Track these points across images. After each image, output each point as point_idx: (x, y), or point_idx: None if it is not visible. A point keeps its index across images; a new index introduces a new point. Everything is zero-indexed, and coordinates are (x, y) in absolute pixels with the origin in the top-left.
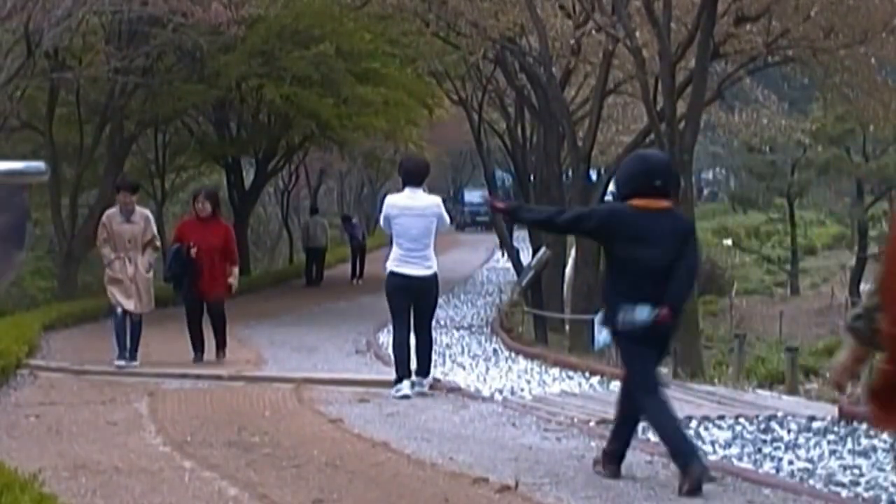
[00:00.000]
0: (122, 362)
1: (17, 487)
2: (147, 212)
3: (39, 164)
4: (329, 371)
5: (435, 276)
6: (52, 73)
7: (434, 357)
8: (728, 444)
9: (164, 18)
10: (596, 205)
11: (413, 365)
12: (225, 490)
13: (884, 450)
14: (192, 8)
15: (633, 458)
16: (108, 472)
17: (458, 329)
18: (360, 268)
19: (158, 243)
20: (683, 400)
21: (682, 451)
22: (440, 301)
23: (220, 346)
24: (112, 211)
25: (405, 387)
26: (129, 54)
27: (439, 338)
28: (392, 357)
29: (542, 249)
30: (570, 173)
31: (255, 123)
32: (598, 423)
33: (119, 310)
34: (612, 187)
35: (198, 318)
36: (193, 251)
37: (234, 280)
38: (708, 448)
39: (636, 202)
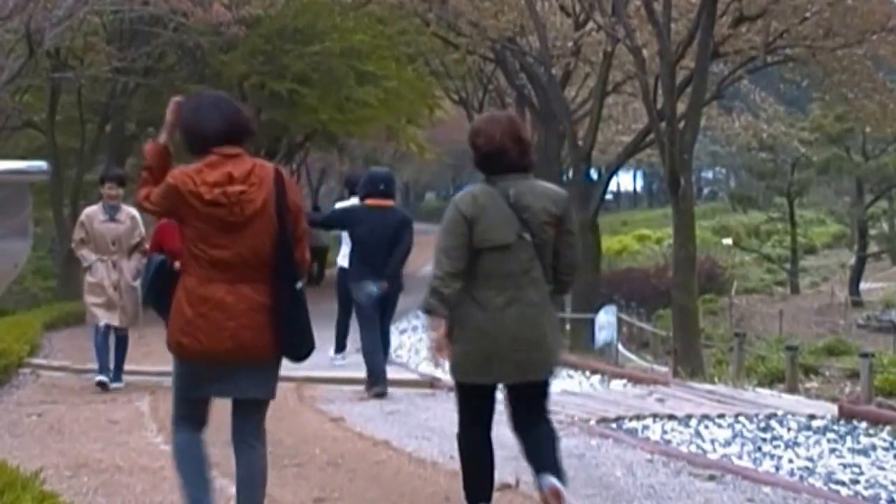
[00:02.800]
0: (104, 378)
1: (19, 486)
2: (134, 210)
3: (41, 164)
4: (330, 370)
5: None
6: (54, 72)
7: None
8: (728, 443)
9: (165, 18)
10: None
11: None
12: (226, 488)
13: (884, 448)
14: (192, 8)
15: (634, 456)
16: (110, 471)
17: None
18: None
19: (147, 246)
20: (683, 398)
21: (374, 372)
22: None
23: None
24: (93, 209)
25: None
26: (130, 54)
27: None
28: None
29: None
30: (570, 173)
31: (255, 123)
32: (599, 421)
33: (102, 324)
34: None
35: None
36: (177, 265)
37: None
38: (708, 446)
39: (368, 202)
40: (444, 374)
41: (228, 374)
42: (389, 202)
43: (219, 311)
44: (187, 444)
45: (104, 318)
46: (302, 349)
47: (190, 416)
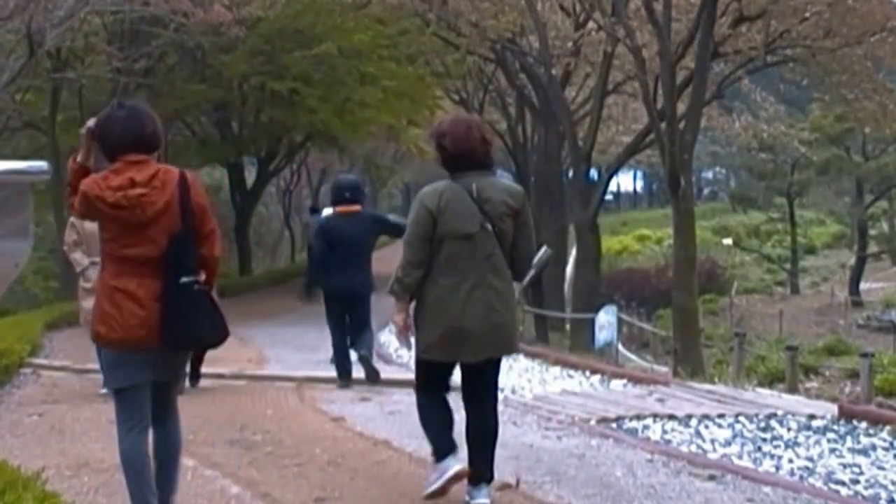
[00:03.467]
0: (107, 390)
1: (21, 485)
2: None
3: (42, 164)
4: (330, 370)
5: None
6: (55, 73)
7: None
8: (728, 443)
9: (166, 19)
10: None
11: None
12: (227, 488)
13: (884, 448)
14: (193, 8)
15: (634, 456)
16: (111, 471)
17: None
18: None
19: None
20: (683, 398)
21: (340, 371)
22: None
23: (195, 374)
24: None
25: None
26: (130, 54)
27: None
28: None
29: (543, 248)
30: (570, 173)
31: (256, 124)
32: (599, 421)
33: None
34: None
35: None
36: None
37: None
38: (708, 446)
39: (338, 209)
40: (410, 352)
41: (147, 362)
42: (355, 207)
43: (130, 302)
44: (129, 450)
45: None
46: (179, 340)
47: (130, 413)
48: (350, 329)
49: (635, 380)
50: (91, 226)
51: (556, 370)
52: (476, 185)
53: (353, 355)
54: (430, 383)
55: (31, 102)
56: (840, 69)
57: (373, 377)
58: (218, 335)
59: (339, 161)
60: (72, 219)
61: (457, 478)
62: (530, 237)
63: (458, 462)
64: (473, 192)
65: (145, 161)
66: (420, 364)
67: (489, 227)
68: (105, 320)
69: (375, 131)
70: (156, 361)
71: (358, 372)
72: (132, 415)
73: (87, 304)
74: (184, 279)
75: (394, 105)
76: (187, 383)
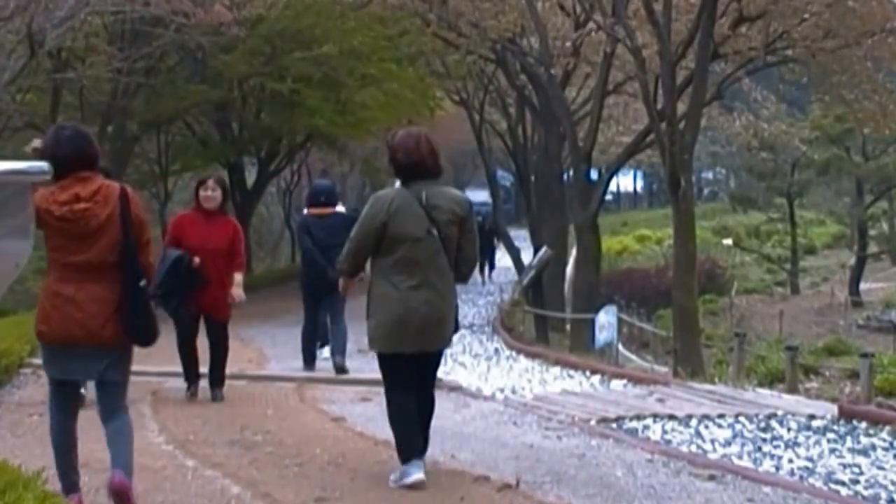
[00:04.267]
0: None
1: (21, 485)
2: None
3: (42, 164)
4: (331, 370)
5: None
6: (55, 73)
7: None
8: (728, 443)
9: (167, 19)
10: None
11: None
12: (227, 488)
13: (884, 448)
14: (193, 9)
15: (634, 456)
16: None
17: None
18: None
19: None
20: (683, 399)
21: (305, 348)
22: None
23: (219, 381)
24: None
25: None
26: (131, 55)
27: None
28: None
29: (544, 249)
30: (570, 173)
31: (256, 124)
32: (599, 421)
33: None
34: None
35: (193, 340)
36: (196, 261)
37: (239, 290)
38: (708, 446)
39: (312, 211)
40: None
41: (83, 359)
42: (329, 209)
43: (70, 305)
44: (57, 428)
45: None
46: (144, 336)
47: (61, 402)
48: (330, 322)
49: (635, 380)
50: None
51: (556, 370)
52: (426, 192)
53: (327, 351)
54: (394, 383)
55: (31, 103)
56: (840, 69)
57: (340, 372)
58: (154, 335)
59: (339, 162)
60: None
61: (414, 487)
62: (474, 243)
63: (419, 471)
64: (423, 200)
65: (90, 177)
66: (378, 360)
67: (435, 232)
68: (46, 321)
69: (375, 132)
70: (90, 359)
71: (360, 372)
72: (62, 402)
73: None
74: (142, 282)
75: (394, 106)
76: (210, 393)
